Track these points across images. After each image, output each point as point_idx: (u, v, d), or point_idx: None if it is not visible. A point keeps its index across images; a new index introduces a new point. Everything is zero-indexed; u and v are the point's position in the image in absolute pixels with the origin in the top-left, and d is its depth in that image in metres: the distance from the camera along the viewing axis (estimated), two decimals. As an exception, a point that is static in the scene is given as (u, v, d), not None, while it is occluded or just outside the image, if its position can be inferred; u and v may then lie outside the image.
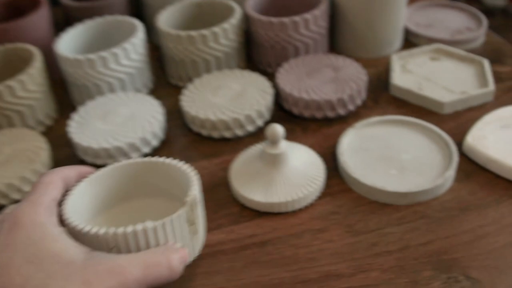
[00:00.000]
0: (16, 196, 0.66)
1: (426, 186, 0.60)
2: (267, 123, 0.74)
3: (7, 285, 0.36)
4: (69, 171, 0.48)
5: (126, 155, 0.68)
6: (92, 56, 0.75)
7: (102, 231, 0.44)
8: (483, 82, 0.76)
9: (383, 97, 0.77)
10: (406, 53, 0.82)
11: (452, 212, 0.59)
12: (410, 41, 0.89)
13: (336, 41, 0.88)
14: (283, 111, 0.76)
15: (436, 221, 0.59)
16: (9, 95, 0.73)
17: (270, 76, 0.81)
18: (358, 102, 0.74)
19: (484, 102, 0.74)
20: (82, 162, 0.71)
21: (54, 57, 0.81)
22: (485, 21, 0.88)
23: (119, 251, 0.45)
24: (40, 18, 0.84)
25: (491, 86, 0.74)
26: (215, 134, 0.72)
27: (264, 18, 0.80)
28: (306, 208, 0.62)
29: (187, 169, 0.51)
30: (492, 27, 0.91)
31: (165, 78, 0.87)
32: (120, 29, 0.83)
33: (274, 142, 0.61)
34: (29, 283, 0.37)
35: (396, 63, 0.81)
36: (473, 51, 0.84)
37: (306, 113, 0.74)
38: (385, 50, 0.86)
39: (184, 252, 0.46)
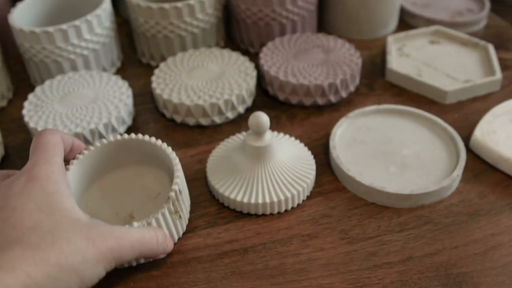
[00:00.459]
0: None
1: (431, 187, 0.53)
2: (249, 109, 0.66)
3: (17, 226, 0.38)
4: (67, 137, 0.48)
5: (88, 142, 0.60)
6: (50, 29, 0.65)
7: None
8: (489, 70, 0.68)
9: (378, 83, 0.70)
10: (402, 35, 0.74)
11: (460, 218, 0.52)
12: (406, 22, 0.81)
13: (325, 19, 0.80)
14: (267, 97, 0.68)
15: (442, 228, 0.51)
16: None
17: (253, 56, 0.72)
18: (351, 88, 0.67)
19: (489, 92, 0.67)
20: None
21: (9, 30, 0.71)
22: (487, 2, 0.80)
23: None
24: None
25: (498, 74, 0.66)
26: (190, 121, 0.64)
27: (247, -9, 0.71)
28: (294, 209, 0.54)
29: (171, 154, 0.50)
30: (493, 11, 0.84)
31: (135, 56, 0.78)
32: (85, 0, 0.74)
33: (258, 133, 0.53)
34: (38, 228, 0.39)
35: (392, 45, 0.73)
36: (474, 34, 0.77)
37: (293, 100, 0.65)
38: (380, 31, 0.78)
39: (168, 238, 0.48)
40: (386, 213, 0.53)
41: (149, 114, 0.67)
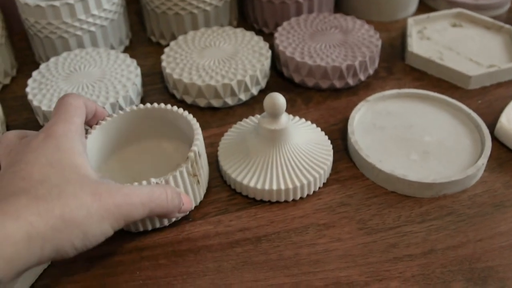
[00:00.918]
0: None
1: (454, 176, 0.50)
2: (263, 91, 0.63)
3: (26, 178, 0.39)
4: (90, 103, 0.48)
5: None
6: (56, 3, 0.62)
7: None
8: (515, 54, 0.65)
9: (397, 66, 0.67)
10: (424, 17, 0.71)
11: (485, 209, 0.49)
12: (427, 4, 0.78)
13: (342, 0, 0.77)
14: (282, 78, 0.65)
15: (466, 220, 0.49)
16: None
17: (267, 37, 0.69)
18: (370, 71, 0.64)
19: (515, 78, 0.64)
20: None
21: (13, 4, 0.68)
22: (512, -16, 0.77)
23: None
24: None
25: (524, 59, 0.64)
26: (202, 102, 0.61)
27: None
28: (310, 197, 0.51)
29: (192, 120, 0.50)
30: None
31: (144, 34, 0.75)
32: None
33: (273, 115, 0.50)
34: (46, 181, 0.39)
35: (412, 28, 0.70)
36: (497, 18, 0.74)
37: (309, 82, 0.63)
38: (400, 13, 0.75)
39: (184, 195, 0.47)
40: (407, 203, 0.50)
41: (158, 94, 0.64)
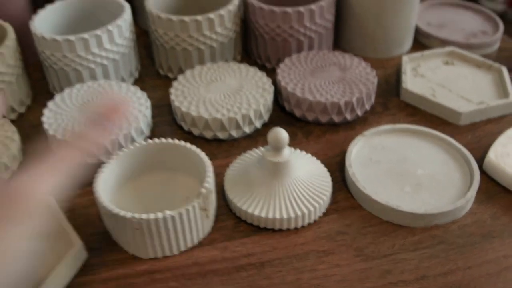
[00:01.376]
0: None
1: (445, 208, 0.53)
2: (266, 125, 0.67)
3: None
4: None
5: (107, 153, 0.60)
6: (72, 37, 0.66)
7: (129, 215, 0.49)
8: (503, 92, 0.69)
9: (393, 102, 0.71)
10: (417, 55, 0.75)
11: (474, 239, 0.53)
12: (421, 42, 0.82)
13: (341, 37, 0.81)
14: (284, 112, 0.69)
15: (456, 248, 0.52)
16: (-23, 77, 0.64)
17: (270, 72, 0.73)
18: (367, 106, 0.68)
19: (503, 114, 0.68)
20: (56, 157, 0.63)
21: (30, 37, 0.72)
22: (501, 25, 0.81)
23: (142, 232, 0.50)
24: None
25: (512, 97, 0.68)
26: (208, 134, 0.65)
27: (265, 6, 0.72)
28: (311, 225, 0.55)
29: (204, 157, 0.54)
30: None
31: (153, 68, 0.79)
32: (104, 9, 0.75)
33: (277, 148, 0.54)
34: None
35: (407, 65, 0.74)
36: (488, 56, 0.78)
37: (310, 116, 0.66)
38: (395, 50, 0.79)
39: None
40: (400, 232, 0.54)
41: (167, 126, 0.68)
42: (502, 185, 0.58)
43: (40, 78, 0.76)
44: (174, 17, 0.70)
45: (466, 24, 0.83)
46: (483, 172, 0.59)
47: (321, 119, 0.66)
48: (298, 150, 0.60)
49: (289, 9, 0.71)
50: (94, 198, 0.52)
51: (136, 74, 0.76)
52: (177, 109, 0.65)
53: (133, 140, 0.62)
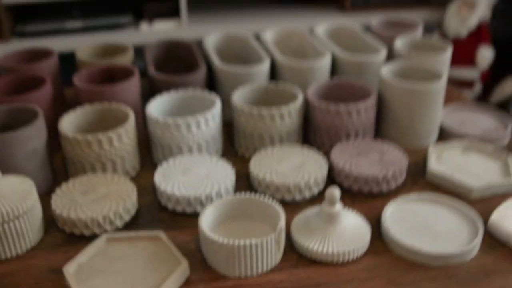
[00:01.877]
0: (108, 227, 0.79)
1: (456, 251, 0.72)
2: (321, 193, 0.87)
3: None
4: None
5: (202, 204, 0.82)
6: (179, 120, 0.89)
7: (226, 241, 0.69)
8: (508, 175, 0.89)
9: (420, 180, 0.91)
10: (441, 145, 0.96)
11: (478, 276, 0.71)
12: (445, 136, 1.03)
13: (380, 129, 1.02)
14: (334, 183, 0.90)
15: (464, 281, 0.70)
16: (108, 144, 0.87)
17: (324, 154, 0.94)
18: (399, 181, 0.88)
19: (508, 191, 0.87)
20: (163, 208, 0.84)
21: (138, 120, 0.95)
22: (510, 124, 1.02)
23: (233, 255, 0.70)
24: (131, 85, 1.00)
25: (514, 179, 0.87)
26: (277, 196, 0.85)
27: (323, 105, 0.95)
28: (354, 261, 0.74)
29: (276, 206, 0.75)
30: None
31: (232, 148, 1.01)
32: (199, 101, 0.99)
33: (332, 202, 0.74)
34: None
35: (432, 153, 0.94)
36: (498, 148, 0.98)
37: (355, 187, 0.87)
38: (423, 141, 1.00)
39: None
40: (421, 268, 0.72)
41: (245, 189, 0.89)
42: (502, 240, 0.77)
43: (143, 152, 0.99)
44: (255, 110, 0.93)
45: (482, 122, 1.04)
46: (489, 232, 0.78)
47: (364, 189, 0.86)
48: (346, 208, 0.80)
49: (341, 107, 0.94)
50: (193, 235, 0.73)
51: (220, 152, 0.99)
52: (255, 176, 0.87)
53: (221, 196, 0.83)
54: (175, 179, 0.85)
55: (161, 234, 0.76)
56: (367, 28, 1.25)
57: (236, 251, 0.69)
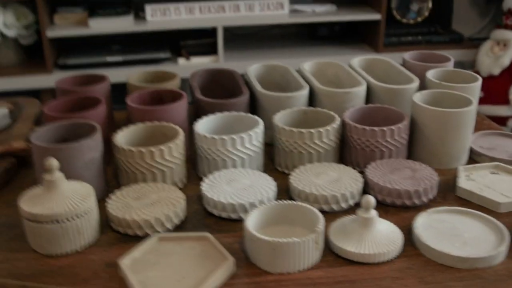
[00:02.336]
0: (159, 229, 0.86)
1: (483, 255, 0.77)
2: (356, 204, 0.93)
3: None
4: None
5: (246, 211, 0.88)
6: (225, 137, 0.97)
7: (271, 238, 0.76)
8: (534, 192, 0.94)
9: (450, 196, 0.96)
10: (471, 166, 1.02)
11: (503, 278, 0.76)
12: (474, 159, 1.08)
13: (412, 151, 1.08)
14: (369, 197, 0.96)
15: (490, 282, 0.75)
16: (159, 157, 0.95)
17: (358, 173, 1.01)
18: (430, 196, 0.93)
19: (533, 208, 0.92)
20: (209, 214, 0.91)
21: (185, 140, 1.03)
22: (538, 150, 1.08)
23: (278, 252, 0.76)
24: (180, 107, 1.08)
25: (540, 196, 0.92)
26: (315, 206, 0.91)
27: (358, 126, 1.01)
28: (387, 262, 0.79)
29: (316, 210, 0.83)
30: None
31: (272, 165, 1.08)
32: (242, 122, 1.06)
33: (367, 208, 0.80)
34: None
35: (462, 173, 1.00)
36: (526, 172, 1.03)
37: (388, 200, 0.93)
38: (454, 163, 1.05)
39: None
40: (450, 270, 0.78)
41: (285, 199, 0.95)
42: (527, 249, 0.82)
43: (188, 167, 1.07)
44: (295, 129, 1.00)
45: (510, 147, 1.10)
46: (514, 241, 0.83)
47: (397, 202, 0.92)
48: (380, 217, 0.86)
49: (376, 129, 1.00)
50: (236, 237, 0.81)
51: (262, 168, 1.06)
52: (294, 188, 0.93)
53: (263, 204, 0.90)
54: (220, 188, 0.92)
55: (208, 235, 0.83)
56: (400, 63, 1.32)
57: (279, 248, 0.76)
